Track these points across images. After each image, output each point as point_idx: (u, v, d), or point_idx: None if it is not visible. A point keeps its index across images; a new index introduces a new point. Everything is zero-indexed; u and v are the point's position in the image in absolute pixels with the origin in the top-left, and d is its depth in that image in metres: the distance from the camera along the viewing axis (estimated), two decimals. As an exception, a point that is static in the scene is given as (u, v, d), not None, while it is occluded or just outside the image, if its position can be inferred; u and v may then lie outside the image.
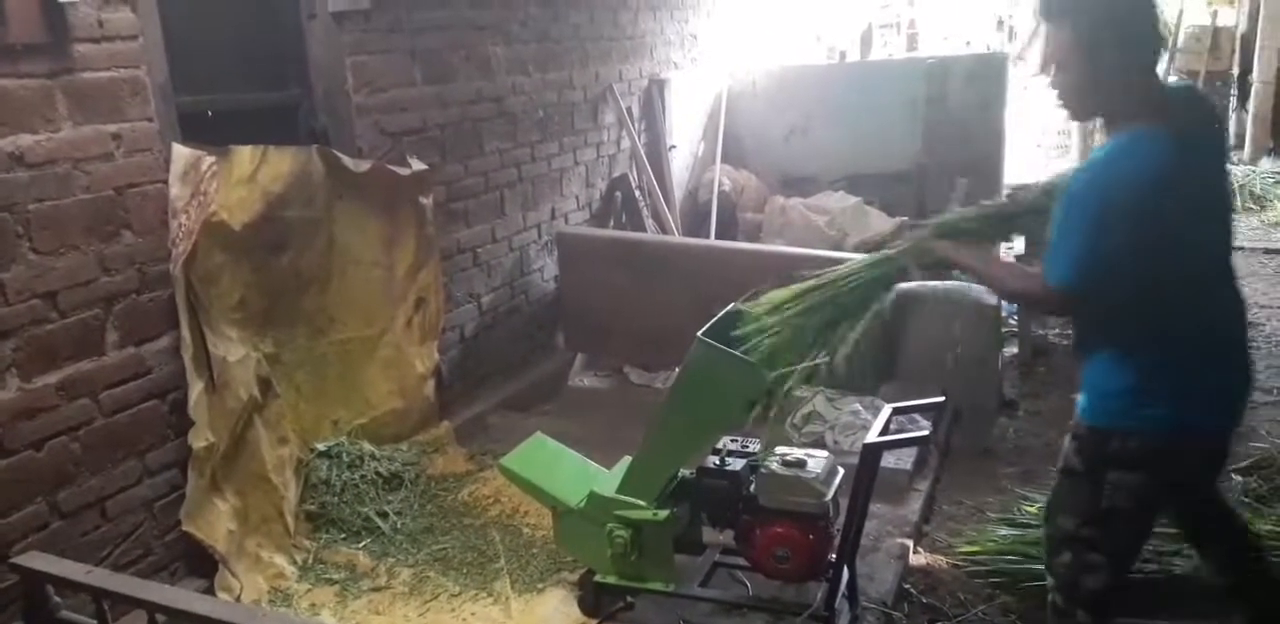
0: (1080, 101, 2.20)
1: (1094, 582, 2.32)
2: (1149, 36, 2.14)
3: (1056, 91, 2.20)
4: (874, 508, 3.17)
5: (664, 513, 2.72)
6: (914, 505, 3.68)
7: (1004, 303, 4.07)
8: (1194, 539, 2.66)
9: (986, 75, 6.53)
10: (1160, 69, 2.16)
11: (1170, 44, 12.34)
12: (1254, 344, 5.46)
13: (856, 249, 5.60)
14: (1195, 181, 2.09)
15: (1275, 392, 4.83)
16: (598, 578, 2.87)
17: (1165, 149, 2.03)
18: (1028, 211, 2.39)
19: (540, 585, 3.16)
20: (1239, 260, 7.35)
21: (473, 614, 3.03)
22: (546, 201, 5.14)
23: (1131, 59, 2.10)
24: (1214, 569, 2.63)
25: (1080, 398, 2.31)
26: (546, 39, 4.96)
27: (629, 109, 5.86)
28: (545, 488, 2.91)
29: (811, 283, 2.59)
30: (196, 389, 3.03)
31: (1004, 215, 2.45)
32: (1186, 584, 3.07)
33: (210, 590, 3.03)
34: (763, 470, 2.72)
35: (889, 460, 3.37)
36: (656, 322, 4.38)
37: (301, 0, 3.63)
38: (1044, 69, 2.19)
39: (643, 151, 5.97)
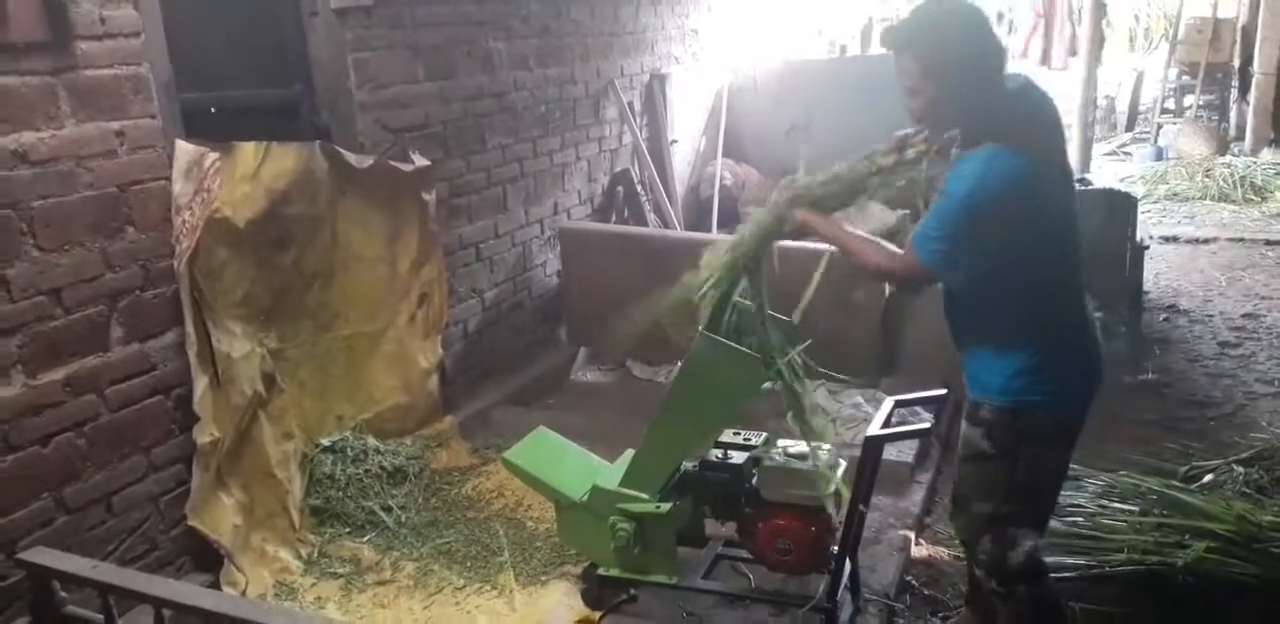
0: (937, 122, 2.35)
1: (1021, 553, 2.44)
2: (990, 56, 2.28)
3: (916, 114, 2.37)
4: (876, 500, 3.18)
5: (666, 506, 2.73)
6: (916, 498, 3.70)
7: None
8: None
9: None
10: (1004, 88, 2.31)
11: (1171, 36, 12.34)
12: (1256, 336, 5.48)
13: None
14: (1051, 186, 2.31)
15: (1276, 383, 4.84)
16: (601, 571, 2.88)
17: (1021, 162, 2.21)
18: (878, 173, 2.48)
19: (544, 578, 3.18)
20: (1240, 251, 7.36)
21: (477, 607, 3.05)
22: (549, 197, 5.14)
23: (979, 79, 2.26)
24: None
25: (972, 386, 2.48)
26: (548, 34, 4.97)
27: (630, 104, 5.86)
28: (548, 481, 2.92)
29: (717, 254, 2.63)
30: (201, 385, 3.04)
31: (855, 178, 2.53)
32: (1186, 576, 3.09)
33: (216, 585, 3.05)
34: (765, 463, 2.73)
35: (891, 453, 3.38)
36: (659, 316, 4.39)
37: (303, -4, 3.64)
38: (906, 95, 2.34)
39: (644, 146, 5.98)
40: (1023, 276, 2.32)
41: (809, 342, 2.66)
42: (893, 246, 2.43)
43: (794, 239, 2.55)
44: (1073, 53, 13.10)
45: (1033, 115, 2.35)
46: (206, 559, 3.14)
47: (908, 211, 6.06)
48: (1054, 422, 2.42)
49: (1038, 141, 2.29)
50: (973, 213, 2.23)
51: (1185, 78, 12.29)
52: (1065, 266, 2.40)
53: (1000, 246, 2.26)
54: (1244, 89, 11.13)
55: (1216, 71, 11.79)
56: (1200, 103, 12.05)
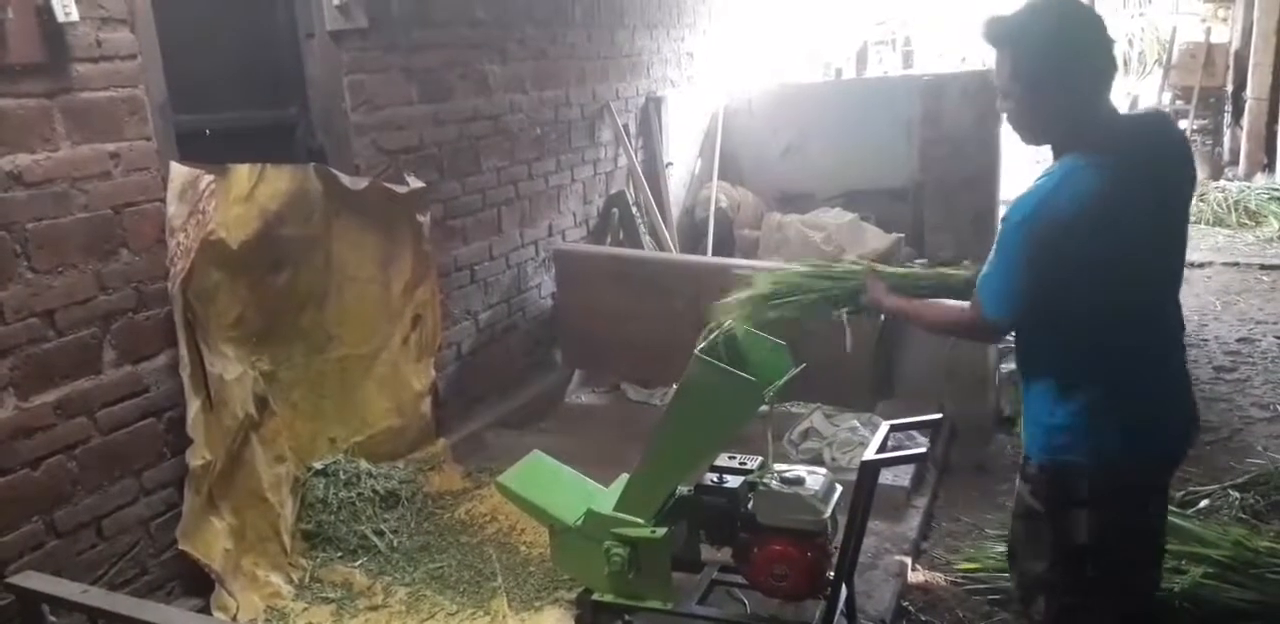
0: (1025, 129, 2.17)
1: (1077, 621, 2.24)
2: (1093, 68, 2.08)
3: (1006, 117, 2.18)
4: (872, 525, 3.16)
5: (662, 531, 2.71)
6: (912, 522, 3.68)
7: None
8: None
9: (982, 92, 6.55)
10: (1111, 98, 2.12)
11: (1164, 61, 12.43)
12: (1252, 361, 5.48)
13: (853, 265, 5.60)
14: (1134, 215, 2.04)
15: (1272, 407, 4.83)
16: (595, 596, 2.86)
17: (1100, 183, 2.01)
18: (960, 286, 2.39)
19: (537, 604, 3.15)
20: (1235, 276, 7.37)
21: (470, 633, 3.03)
22: (544, 219, 5.15)
23: (1073, 90, 2.07)
24: None
25: (1024, 433, 2.28)
26: (544, 57, 4.99)
27: (626, 127, 5.88)
28: (542, 506, 2.90)
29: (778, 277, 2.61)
30: (194, 407, 3.03)
31: (944, 285, 2.44)
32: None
33: (206, 610, 3.02)
34: (761, 488, 2.72)
35: (887, 477, 3.36)
36: (654, 338, 4.39)
37: (299, 19, 3.65)
38: (999, 94, 2.17)
39: (640, 169, 5.99)
40: (1082, 319, 2.09)
41: (804, 365, 2.66)
42: (953, 302, 2.31)
43: (860, 311, 2.51)
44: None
45: (1145, 140, 2.13)
46: (197, 583, 3.11)
47: (902, 235, 6.09)
48: (1109, 482, 2.14)
49: (1141, 166, 2.05)
50: (1030, 240, 2.02)
51: (1179, 102, 12.36)
52: (1136, 313, 2.13)
53: (1056, 280, 2.04)
54: (1237, 114, 11.19)
55: (1210, 96, 11.86)
56: (1194, 127, 12.11)
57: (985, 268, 2.14)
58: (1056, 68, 2.05)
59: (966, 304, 2.24)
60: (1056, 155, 2.13)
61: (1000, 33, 2.10)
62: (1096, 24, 2.08)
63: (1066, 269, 2.03)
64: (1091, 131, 2.08)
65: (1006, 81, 2.10)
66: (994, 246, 2.11)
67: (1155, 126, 2.23)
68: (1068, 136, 2.10)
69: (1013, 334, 2.28)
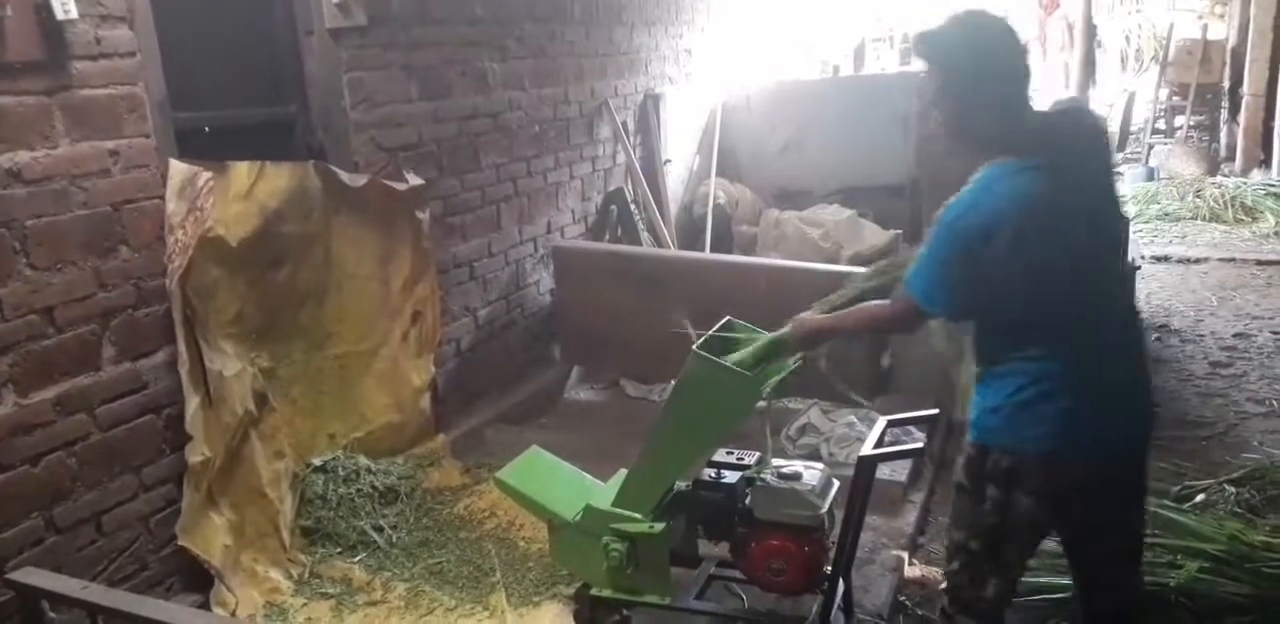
0: (954, 139, 2.26)
1: (976, 593, 2.38)
2: (1013, 76, 2.20)
3: (939, 128, 2.27)
4: (869, 520, 3.17)
5: (660, 526, 2.72)
6: (909, 517, 3.69)
7: None
8: (1081, 595, 2.58)
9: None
10: (1030, 102, 2.23)
11: (1161, 58, 12.44)
12: (1248, 356, 5.49)
13: (851, 261, 5.62)
14: (1067, 212, 2.13)
15: (1267, 403, 4.85)
16: (593, 591, 2.87)
17: (1031, 184, 2.10)
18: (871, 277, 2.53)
19: (536, 599, 3.17)
20: (1231, 271, 7.37)
21: (469, 628, 3.04)
22: (542, 215, 5.15)
23: (996, 98, 2.18)
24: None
25: (969, 413, 2.37)
26: (542, 55, 4.99)
27: (624, 124, 5.89)
28: (541, 501, 2.91)
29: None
30: (193, 404, 3.04)
31: (849, 293, 2.56)
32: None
33: (206, 605, 3.03)
34: (758, 483, 2.73)
35: (884, 472, 3.37)
36: (652, 335, 4.39)
37: (298, 16, 3.66)
38: (930, 107, 2.27)
39: (638, 166, 6.00)
40: (1018, 314, 2.17)
41: (800, 359, 2.67)
42: (873, 303, 2.43)
43: (805, 351, 2.60)
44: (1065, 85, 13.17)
45: (1066, 136, 2.23)
46: (196, 579, 3.12)
47: (900, 231, 6.10)
48: (1023, 474, 2.23)
49: (1066, 164, 2.15)
50: (959, 239, 2.13)
51: (1176, 99, 12.39)
52: (1076, 308, 2.19)
53: (986, 277, 2.12)
54: (1234, 110, 11.21)
55: (1206, 93, 11.89)
56: (1191, 124, 12.14)
57: (915, 263, 2.25)
58: (978, 78, 2.17)
59: (886, 302, 2.37)
60: (986, 162, 2.22)
61: (926, 49, 2.24)
62: (1011, 35, 2.20)
63: (997, 266, 2.10)
64: (1017, 136, 2.18)
65: (935, 95, 2.22)
66: (925, 244, 2.22)
67: (1073, 118, 2.34)
68: (995, 143, 2.21)
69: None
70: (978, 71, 2.17)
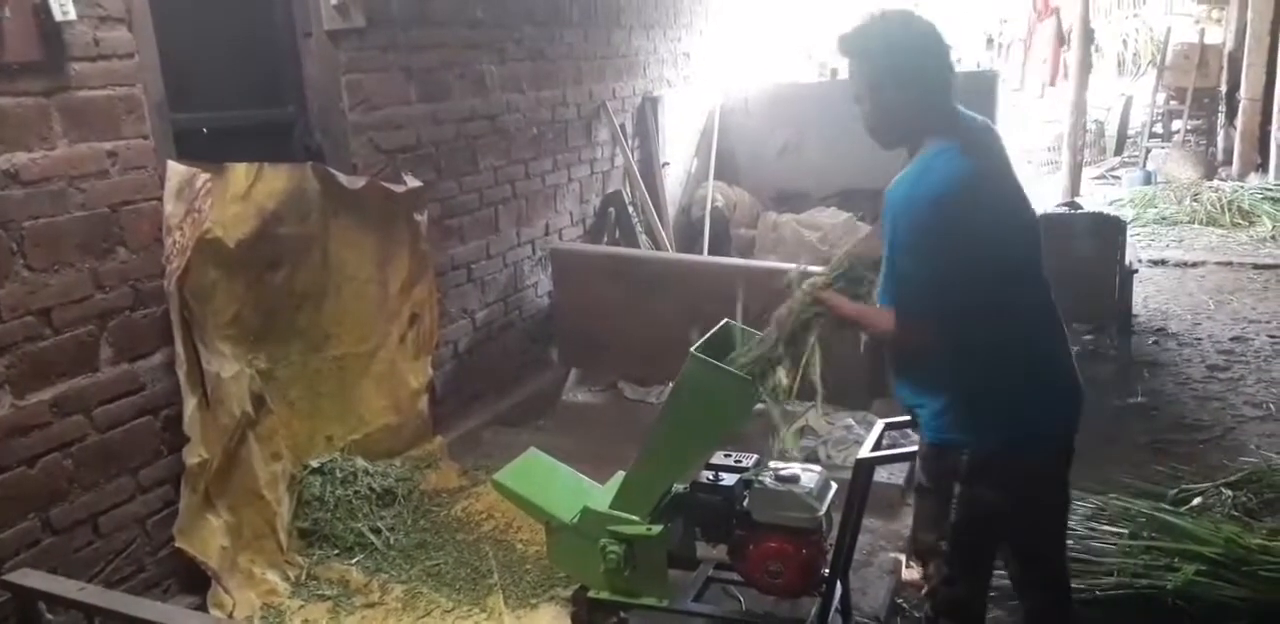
0: (881, 131, 2.32)
1: (951, 592, 2.42)
2: (937, 67, 2.26)
3: (864, 122, 2.32)
4: (866, 523, 3.17)
5: (657, 528, 2.72)
6: (906, 520, 3.67)
7: None
8: (1016, 583, 2.68)
9: (977, 92, 6.57)
10: (953, 100, 2.28)
11: (1158, 62, 12.46)
12: (1245, 360, 5.50)
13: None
14: (996, 193, 2.22)
15: (1264, 406, 4.85)
16: (591, 593, 2.86)
17: (965, 160, 2.17)
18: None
19: (533, 601, 3.16)
20: (1228, 275, 7.39)
21: (466, 630, 3.04)
22: (540, 218, 5.16)
23: (915, 95, 2.23)
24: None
25: (920, 415, 2.38)
26: (541, 57, 5.00)
27: (622, 126, 5.89)
28: (538, 503, 2.90)
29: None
30: (190, 405, 3.03)
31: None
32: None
33: (203, 607, 3.03)
34: (756, 485, 2.73)
35: (881, 475, 3.37)
36: (650, 337, 4.39)
37: (297, 18, 3.66)
38: (855, 101, 2.32)
39: (636, 168, 6.00)
40: (955, 298, 2.17)
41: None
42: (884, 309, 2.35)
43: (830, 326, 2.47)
44: (1051, 83, 13.21)
45: (976, 129, 2.31)
46: (193, 581, 3.11)
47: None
48: (985, 467, 2.27)
49: (986, 147, 2.25)
50: (922, 244, 2.15)
51: (1173, 103, 12.41)
52: (1010, 292, 2.23)
53: (930, 258, 2.15)
54: (1231, 114, 11.23)
55: (1204, 97, 11.91)
56: (1188, 127, 12.16)
57: (880, 278, 2.27)
58: (897, 75, 2.22)
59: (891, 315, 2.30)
60: (911, 152, 2.28)
61: (852, 45, 2.29)
62: (933, 29, 2.28)
63: (952, 247, 2.13)
64: (941, 123, 2.25)
65: (861, 88, 2.28)
66: (884, 250, 2.24)
67: (980, 124, 2.36)
68: (920, 132, 2.26)
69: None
70: (898, 69, 2.23)
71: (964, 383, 2.27)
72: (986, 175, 2.21)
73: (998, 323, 2.22)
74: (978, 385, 2.26)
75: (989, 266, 2.17)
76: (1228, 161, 11.03)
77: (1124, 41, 15.37)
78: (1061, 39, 12.44)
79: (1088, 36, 9.66)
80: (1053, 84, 13.02)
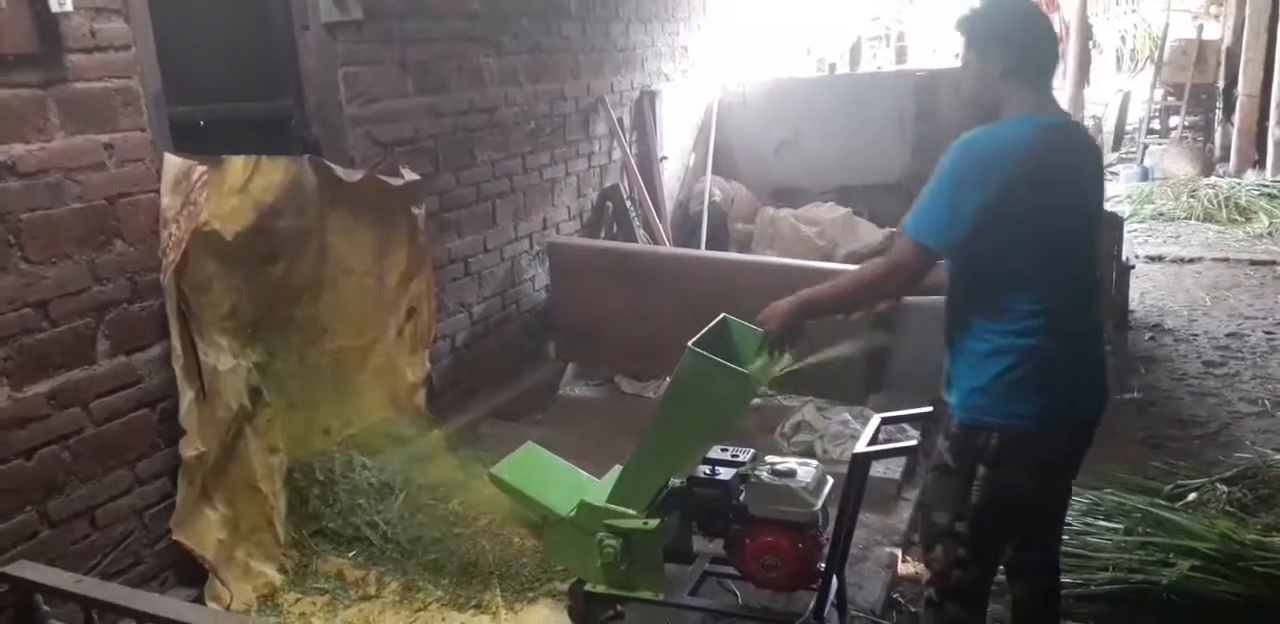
0: (969, 101, 2.41)
1: (963, 575, 2.44)
2: (1035, 50, 2.33)
3: (965, 94, 2.43)
4: (863, 517, 3.18)
5: (654, 522, 2.72)
6: (903, 515, 3.70)
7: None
8: (1010, 569, 2.69)
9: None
10: (1049, 86, 2.39)
11: (1156, 58, 12.45)
12: (1241, 356, 5.51)
13: (846, 259, 5.63)
14: (1062, 172, 2.26)
15: (1260, 402, 4.86)
16: (587, 587, 2.87)
17: (1037, 131, 2.24)
18: None
19: (530, 595, 3.17)
20: (1224, 271, 7.41)
21: (462, 623, 3.03)
22: (538, 212, 5.15)
23: (1028, 69, 2.31)
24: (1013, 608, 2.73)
25: (950, 395, 2.42)
26: (538, 50, 4.99)
27: (620, 120, 5.88)
28: (535, 497, 2.91)
29: None
30: (187, 398, 3.03)
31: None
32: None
33: (200, 600, 3.03)
34: (753, 480, 2.73)
35: (878, 470, 3.38)
36: (647, 331, 4.40)
37: (294, 11, 3.65)
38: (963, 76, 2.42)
39: (634, 162, 6.00)
40: (1006, 264, 2.25)
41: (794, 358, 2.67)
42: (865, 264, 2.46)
43: (789, 343, 2.55)
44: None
45: (1069, 126, 2.40)
46: (190, 574, 3.11)
47: (895, 229, 6.10)
48: (1016, 446, 2.31)
49: (1062, 142, 2.30)
50: (961, 165, 2.21)
51: (1171, 99, 12.41)
52: (1057, 270, 2.29)
53: (984, 220, 2.19)
54: (1228, 110, 11.23)
55: (1201, 93, 11.91)
56: (1185, 124, 12.17)
57: (913, 210, 2.28)
58: (1009, 45, 2.30)
59: (875, 260, 2.44)
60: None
61: (971, 23, 2.38)
62: (1045, 17, 2.42)
63: (994, 201, 2.17)
64: (1028, 103, 2.31)
65: (965, 52, 2.39)
66: (929, 182, 2.27)
67: (1073, 126, 2.48)
68: (1006, 108, 2.32)
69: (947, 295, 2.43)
70: (1009, 38, 2.31)
71: (1004, 366, 2.28)
72: (1041, 152, 2.22)
73: (1029, 298, 2.26)
74: (1016, 371, 2.28)
75: (1020, 234, 2.22)
76: (1225, 158, 11.04)
77: (1122, 37, 15.36)
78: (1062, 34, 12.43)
79: (1086, 32, 9.65)
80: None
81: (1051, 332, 2.28)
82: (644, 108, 6.19)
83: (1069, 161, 2.30)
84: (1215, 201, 9.13)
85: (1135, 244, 7.86)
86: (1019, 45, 2.31)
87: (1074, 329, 2.34)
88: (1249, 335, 5.89)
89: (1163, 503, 3.61)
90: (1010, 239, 2.23)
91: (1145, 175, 10.58)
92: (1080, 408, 2.39)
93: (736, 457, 2.84)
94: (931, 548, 2.51)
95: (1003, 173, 2.18)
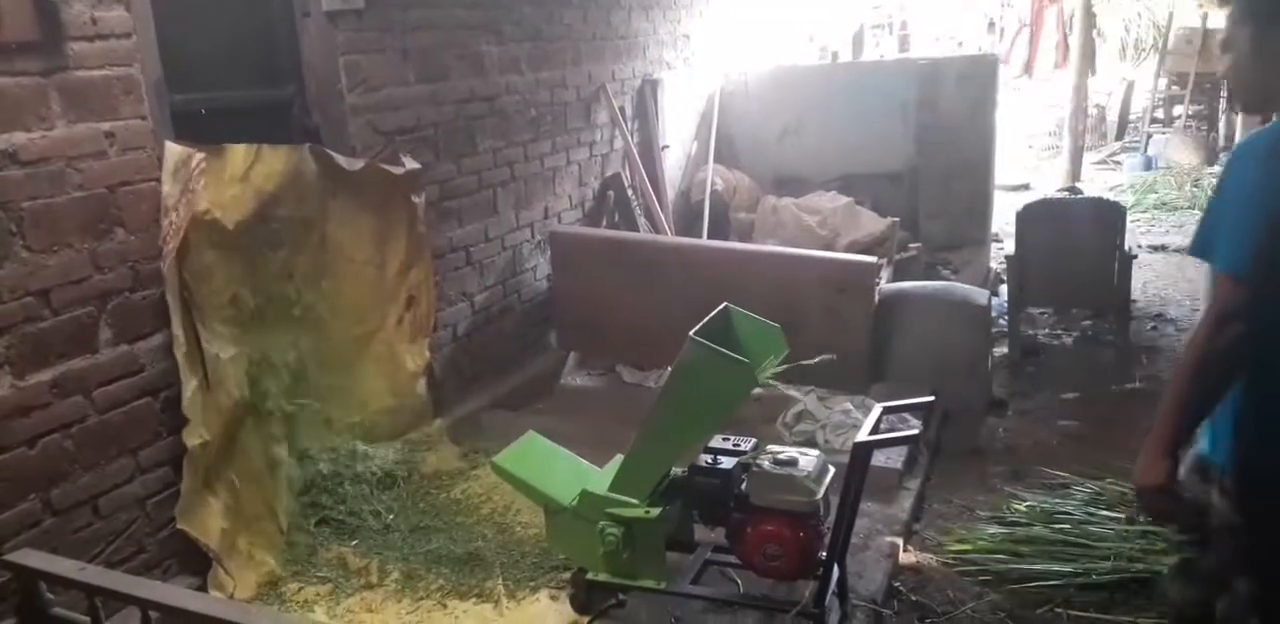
0: (1238, 82, 2.06)
1: None
2: None
3: (1228, 79, 2.08)
4: (864, 506, 3.18)
5: (656, 511, 2.73)
6: (904, 504, 3.70)
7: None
8: None
9: (978, 76, 6.57)
10: None
11: (1160, 46, 12.41)
12: None
13: (848, 249, 5.63)
14: None
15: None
16: (589, 576, 2.88)
17: None
18: None
19: (532, 583, 3.17)
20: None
21: (464, 612, 3.04)
22: (539, 200, 5.14)
23: None
24: None
25: (1209, 441, 2.04)
26: (540, 38, 4.97)
27: (622, 108, 5.87)
28: (537, 486, 2.91)
29: None
30: (190, 387, 3.03)
31: None
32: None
33: (203, 588, 3.04)
34: (754, 469, 2.74)
35: (879, 459, 3.38)
36: (649, 321, 4.40)
37: (295, -1, 3.64)
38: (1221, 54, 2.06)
39: (635, 151, 5.98)
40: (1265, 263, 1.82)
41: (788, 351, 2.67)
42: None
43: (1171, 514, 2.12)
44: (1056, 65, 13.18)
45: None
46: (194, 562, 3.12)
47: (897, 219, 6.10)
48: None
49: None
50: (1256, 180, 1.83)
51: (1174, 88, 12.37)
52: None
53: (1243, 206, 1.83)
54: (1232, 100, 11.19)
55: (1205, 82, 11.87)
56: (1189, 113, 12.13)
57: (1204, 226, 1.94)
58: None
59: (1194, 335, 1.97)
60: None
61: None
62: None
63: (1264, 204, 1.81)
64: None
65: (1230, 30, 2.00)
66: (1213, 199, 1.94)
67: None
68: None
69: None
70: None
71: None
72: None
73: None
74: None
75: None
76: (1228, 147, 11.00)
77: (1126, 26, 15.29)
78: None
79: (1090, 21, 9.61)
80: (1064, 67, 12.99)
81: None
82: (646, 96, 6.17)
83: None
84: (1218, 191, 9.09)
85: (1138, 233, 7.85)
86: None
87: None
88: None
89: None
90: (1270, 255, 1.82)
91: (1149, 164, 10.56)
92: None
93: (738, 446, 2.84)
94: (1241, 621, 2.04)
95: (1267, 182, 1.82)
